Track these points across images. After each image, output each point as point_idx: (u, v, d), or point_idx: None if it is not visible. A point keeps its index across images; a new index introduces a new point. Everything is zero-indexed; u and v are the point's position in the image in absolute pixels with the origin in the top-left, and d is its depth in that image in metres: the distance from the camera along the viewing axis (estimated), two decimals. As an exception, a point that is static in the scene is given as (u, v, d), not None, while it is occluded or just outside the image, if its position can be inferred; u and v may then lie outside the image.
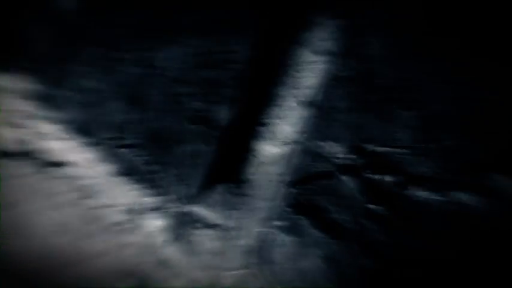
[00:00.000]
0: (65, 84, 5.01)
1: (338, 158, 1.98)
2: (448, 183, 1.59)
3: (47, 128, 4.07)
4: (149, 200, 2.81)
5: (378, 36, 1.99)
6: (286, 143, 2.01)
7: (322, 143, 2.07)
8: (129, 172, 3.30)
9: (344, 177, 1.91)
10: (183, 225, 2.01)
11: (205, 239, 1.90)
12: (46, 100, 4.43)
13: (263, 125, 2.04)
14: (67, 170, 2.94)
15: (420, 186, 1.66)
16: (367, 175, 1.84)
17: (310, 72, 2.03)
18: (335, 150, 2.01)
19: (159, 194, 2.93)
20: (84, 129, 4.21)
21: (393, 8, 1.95)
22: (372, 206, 1.77)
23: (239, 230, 1.88)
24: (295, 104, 2.03)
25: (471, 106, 1.59)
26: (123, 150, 3.55)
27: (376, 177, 1.80)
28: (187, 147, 2.87)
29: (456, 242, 1.49)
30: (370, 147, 1.86)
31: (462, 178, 1.56)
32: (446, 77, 1.69)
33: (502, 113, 1.49)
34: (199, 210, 2.04)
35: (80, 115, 4.43)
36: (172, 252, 1.93)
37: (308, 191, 2.04)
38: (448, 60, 1.69)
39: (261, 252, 2.00)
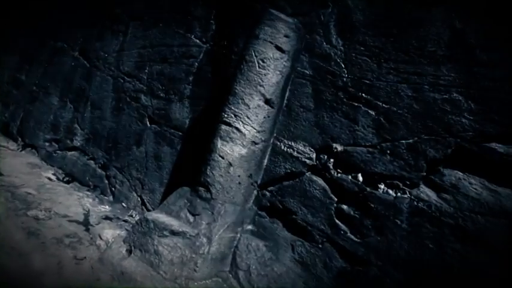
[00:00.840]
0: (-4, 78, 4.61)
1: (308, 158, 2.05)
2: (412, 180, 1.72)
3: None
4: (106, 208, 2.70)
5: (338, 36, 2.08)
6: (254, 143, 2.04)
7: (291, 143, 2.12)
8: (81, 178, 3.13)
9: (315, 178, 1.99)
10: (144, 234, 1.96)
11: (170, 248, 1.87)
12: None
13: (229, 124, 2.04)
14: (3, 178, 2.73)
15: (388, 185, 1.77)
16: (337, 175, 1.92)
17: (275, 69, 2.06)
18: (305, 150, 2.07)
19: (116, 201, 2.82)
20: (23, 130, 3.91)
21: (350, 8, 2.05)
22: (343, 206, 1.86)
23: (207, 237, 1.87)
24: (261, 103, 2.06)
25: (428, 106, 1.73)
26: (70, 153, 3.36)
27: (346, 177, 1.89)
28: (147, 148, 2.79)
29: (424, 240, 1.61)
30: (339, 146, 1.95)
31: (423, 175, 1.69)
32: (406, 78, 1.82)
33: (457, 112, 1.64)
34: (163, 217, 2.00)
35: (16, 113, 4.10)
36: (134, 264, 1.88)
37: (279, 193, 2.09)
38: (406, 61, 1.82)
39: (233, 259, 2.02)
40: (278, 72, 2.08)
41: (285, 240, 1.99)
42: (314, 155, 2.03)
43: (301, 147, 2.08)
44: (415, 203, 1.67)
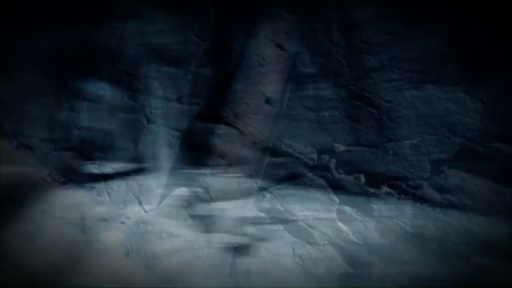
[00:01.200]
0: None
1: (309, 158, 2.04)
2: (415, 180, 1.71)
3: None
4: (102, 210, 2.69)
5: (340, 33, 2.07)
6: (254, 143, 2.03)
7: (292, 143, 2.12)
8: (77, 178, 3.13)
9: (316, 178, 1.98)
10: (141, 237, 1.96)
11: (168, 250, 1.87)
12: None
13: (228, 124, 2.04)
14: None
15: (391, 186, 1.77)
16: (339, 176, 1.92)
17: (276, 67, 2.06)
18: (306, 150, 2.07)
19: (113, 202, 2.81)
20: (17, 130, 3.90)
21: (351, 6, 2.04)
22: (345, 208, 1.86)
23: (206, 239, 1.87)
24: (262, 102, 2.06)
25: (432, 105, 1.73)
26: (66, 153, 3.35)
27: (348, 177, 1.89)
28: (145, 148, 2.78)
29: (428, 243, 1.61)
30: (341, 146, 1.95)
31: (427, 176, 1.69)
32: (409, 76, 1.82)
33: (460, 111, 1.64)
34: (161, 219, 2.00)
35: (10, 113, 4.10)
36: (131, 266, 1.88)
37: (280, 194, 2.08)
38: (409, 59, 1.82)
39: (233, 261, 2.01)
40: (279, 71, 2.08)
41: (286, 242, 1.98)
42: (315, 155, 2.03)
43: (302, 147, 2.08)
44: (419, 204, 1.67)
